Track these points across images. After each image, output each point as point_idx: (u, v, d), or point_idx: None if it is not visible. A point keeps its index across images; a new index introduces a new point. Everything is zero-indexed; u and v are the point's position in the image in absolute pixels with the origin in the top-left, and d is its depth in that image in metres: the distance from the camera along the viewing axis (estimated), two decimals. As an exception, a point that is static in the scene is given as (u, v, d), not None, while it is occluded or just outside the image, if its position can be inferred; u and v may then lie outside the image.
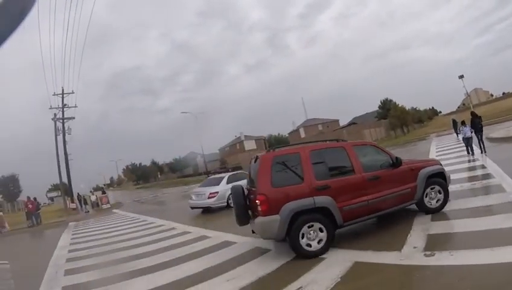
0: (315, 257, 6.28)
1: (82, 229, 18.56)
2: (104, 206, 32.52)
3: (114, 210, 28.83)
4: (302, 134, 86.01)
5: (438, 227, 6.76)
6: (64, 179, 37.32)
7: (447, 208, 7.84)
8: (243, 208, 7.31)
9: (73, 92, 36.15)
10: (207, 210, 15.84)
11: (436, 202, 7.69)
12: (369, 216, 7.05)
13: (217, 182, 16.56)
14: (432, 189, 7.67)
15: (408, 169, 7.56)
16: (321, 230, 6.45)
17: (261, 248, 7.70)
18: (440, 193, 7.71)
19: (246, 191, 7.55)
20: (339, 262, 5.90)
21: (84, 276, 8.14)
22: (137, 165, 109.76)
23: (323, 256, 6.34)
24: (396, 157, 7.52)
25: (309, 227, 6.40)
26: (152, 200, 34.11)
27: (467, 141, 16.97)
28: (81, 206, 35.06)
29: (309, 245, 6.42)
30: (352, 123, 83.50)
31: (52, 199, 75.09)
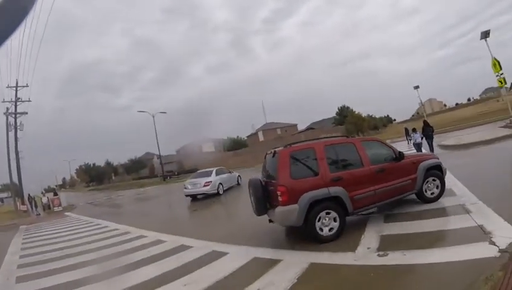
0: (326, 242, 6.76)
1: (34, 233, 17.69)
2: (56, 209, 30.85)
3: (66, 213, 27.65)
4: (261, 137, 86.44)
5: (391, 228, 6.97)
6: (15, 179, 35.79)
7: (399, 211, 8.12)
8: (262, 199, 7.68)
9: (27, 86, 34.62)
10: (195, 198, 19.91)
11: (431, 194, 8.34)
12: (375, 205, 7.65)
13: (208, 174, 20.57)
14: (429, 181, 8.32)
15: (410, 162, 8.19)
16: (335, 220, 6.97)
17: (217, 251, 7.63)
18: (437, 186, 8.41)
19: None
20: (295, 264, 5.95)
21: (37, 283, 7.75)
22: (91, 165, 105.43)
23: (280, 258, 6.39)
24: (400, 152, 8.13)
25: (327, 213, 6.92)
26: (106, 203, 32.98)
27: (417, 146, 18.96)
28: (32, 209, 33.53)
29: (321, 229, 6.87)
30: (310, 128, 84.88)
31: (1, 199, 71.48)
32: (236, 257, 7.02)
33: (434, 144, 19.21)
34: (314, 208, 6.80)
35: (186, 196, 20.21)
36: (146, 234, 11.35)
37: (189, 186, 20.18)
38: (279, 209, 6.93)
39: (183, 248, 8.60)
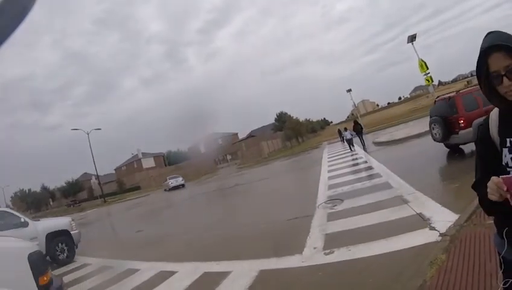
0: None
1: None
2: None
3: None
4: (202, 149, 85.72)
5: (334, 226, 7.05)
6: None
7: (342, 207, 8.30)
8: (447, 130, 10.92)
9: None
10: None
11: None
12: None
13: (177, 176, 40.40)
14: None
15: None
16: None
17: (166, 271, 7.32)
18: None
19: None
20: (244, 273, 5.83)
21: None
22: (27, 191, 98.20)
23: (229, 269, 6.24)
24: None
25: None
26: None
27: (348, 141, 23.99)
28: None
29: None
30: (250, 136, 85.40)
31: None
32: (185, 274, 6.77)
33: (369, 141, 23.15)
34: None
35: (170, 189, 37.13)
36: (90, 262, 10.65)
37: (172, 181, 39.11)
38: (462, 131, 10.22)
39: (130, 271, 8.12)
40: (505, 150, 1.55)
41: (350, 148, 23.26)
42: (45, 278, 4.08)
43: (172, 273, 7.06)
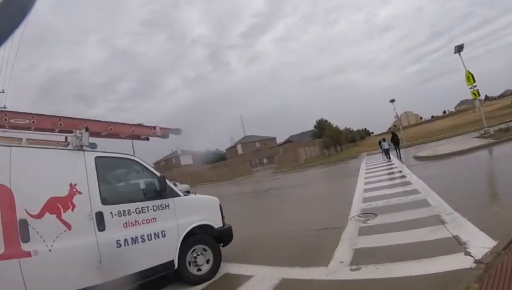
0: None
1: None
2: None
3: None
4: (240, 150, 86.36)
5: (365, 241, 6.78)
6: None
7: (375, 222, 7.98)
8: None
9: (3, 92, 33.59)
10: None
11: None
12: None
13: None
14: None
15: None
16: None
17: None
18: None
19: None
20: (266, 280, 5.73)
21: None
22: None
23: (252, 274, 6.16)
24: None
25: None
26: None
27: (386, 151, 26.25)
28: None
29: None
30: (288, 141, 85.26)
31: None
32: None
33: (410, 155, 24.29)
34: None
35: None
36: None
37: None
38: None
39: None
40: None
41: (387, 158, 25.72)
42: (224, 215, 6.97)
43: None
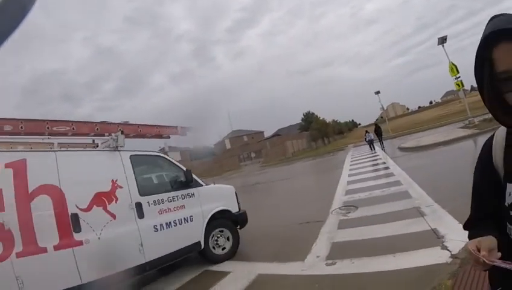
0: None
1: None
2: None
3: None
4: (228, 145, 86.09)
5: (343, 234, 6.73)
6: None
7: (355, 215, 7.95)
8: None
9: None
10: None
11: None
12: None
13: None
14: None
15: None
16: None
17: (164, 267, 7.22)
18: None
19: None
20: (243, 275, 5.71)
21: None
22: None
23: (229, 270, 6.19)
24: None
25: None
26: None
27: (370, 142, 27.43)
28: None
29: None
30: (276, 135, 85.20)
31: None
32: (182, 273, 6.75)
33: (394, 146, 24.60)
34: None
35: None
36: None
37: None
38: None
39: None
40: (510, 186, 1.09)
41: (370, 148, 26.78)
42: (239, 202, 7.70)
43: (172, 269, 6.95)
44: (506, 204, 1.10)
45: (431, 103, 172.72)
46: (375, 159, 19.90)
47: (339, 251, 5.78)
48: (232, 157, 65.93)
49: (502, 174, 1.13)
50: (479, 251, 1.00)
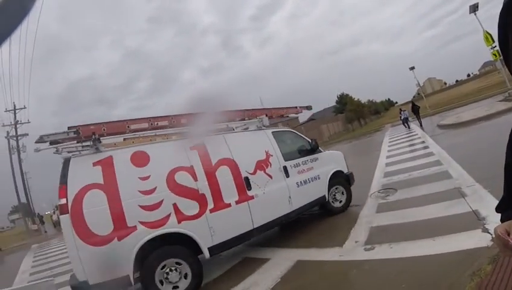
0: None
1: (44, 251, 17.77)
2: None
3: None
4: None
5: (382, 218, 6.69)
6: (23, 199, 35.68)
7: (394, 198, 7.87)
8: None
9: (25, 107, 34.48)
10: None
11: None
12: None
13: None
14: None
15: None
16: None
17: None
18: None
19: None
20: (282, 262, 5.83)
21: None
22: None
23: (269, 257, 6.31)
24: None
25: None
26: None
27: (405, 120, 27.22)
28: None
29: None
30: (311, 119, 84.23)
31: (13, 221, 71.92)
32: (227, 258, 7.01)
33: (434, 124, 23.72)
34: None
35: None
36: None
37: None
38: None
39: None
40: None
41: (405, 126, 26.77)
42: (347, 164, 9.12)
43: (216, 256, 7.11)
44: None
45: (468, 75, 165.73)
46: (414, 139, 19.26)
47: (377, 236, 5.76)
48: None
49: None
50: (508, 234, 0.97)
